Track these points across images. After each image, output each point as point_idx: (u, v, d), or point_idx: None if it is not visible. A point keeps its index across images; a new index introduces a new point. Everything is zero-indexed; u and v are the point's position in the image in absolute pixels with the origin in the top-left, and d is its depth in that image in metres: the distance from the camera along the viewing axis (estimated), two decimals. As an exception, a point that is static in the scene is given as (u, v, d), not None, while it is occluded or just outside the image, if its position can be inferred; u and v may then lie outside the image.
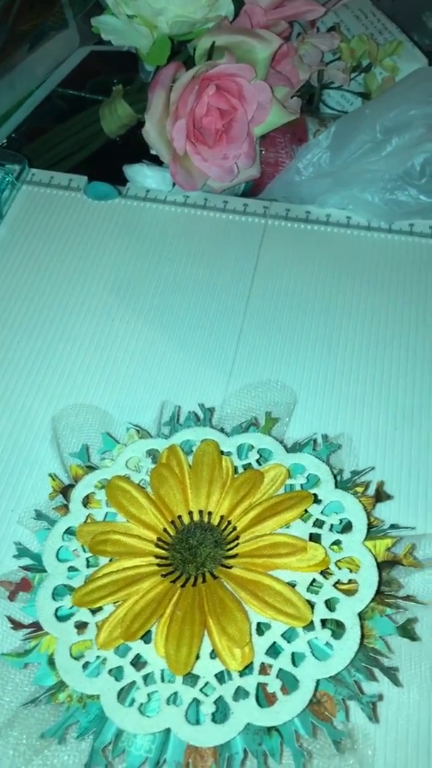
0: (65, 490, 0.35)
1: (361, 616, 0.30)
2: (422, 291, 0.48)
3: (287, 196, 0.54)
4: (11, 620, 0.31)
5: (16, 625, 0.31)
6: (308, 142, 0.54)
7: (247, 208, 0.53)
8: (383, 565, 0.32)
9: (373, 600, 0.30)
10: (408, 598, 0.31)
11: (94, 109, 0.58)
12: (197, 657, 0.28)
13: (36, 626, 0.30)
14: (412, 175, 0.50)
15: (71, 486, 0.35)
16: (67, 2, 0.72)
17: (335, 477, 0.34)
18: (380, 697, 0.30)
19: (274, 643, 0.28)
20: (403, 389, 0.42)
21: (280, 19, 0.51)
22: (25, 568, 0.33)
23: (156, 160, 0.52)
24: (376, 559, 0.30)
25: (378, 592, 0.31)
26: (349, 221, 0.52)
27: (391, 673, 0.29)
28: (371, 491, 0.35)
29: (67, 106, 0.66)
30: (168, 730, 0.27)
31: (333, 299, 0.47)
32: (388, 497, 0.35)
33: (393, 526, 0.34)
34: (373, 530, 0.33)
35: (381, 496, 0.35)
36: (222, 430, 0.38)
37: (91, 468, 0.36)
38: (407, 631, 0.30)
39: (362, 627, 0.29)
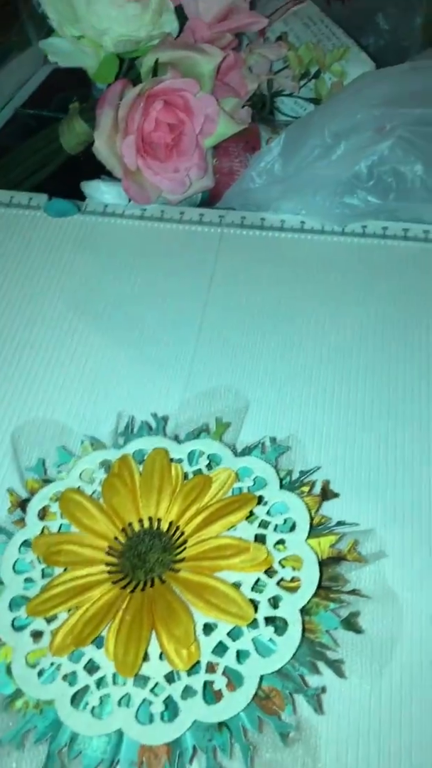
0: (23, 504, 0.36)
1: (307, 611, 0.31)
2: (376, 292, 0.49)
3: (243, 204, 0.55)
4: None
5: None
6: (261, 149, 0.55)
7: (203, 218, 0.54)
8: (328, 562, 0.33)
9: (317, 596, 0.31)
10: (352, 592, 0.32)
11: (54, 127, 0.59)
12: (147, 659, 0.29)
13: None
14: (361, 178, 0.51)
15: (28, 500, 0.36)
16: (28, 21, 0.73)
17: (281, 479, 0.35)
18: (324, 690, 0.31)
19: (220, 642, 0.29)
20: (355, 391, 0.43)
21: (224, 32, 0.52)
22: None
23: (114, 175, 0.54)
24: (318, 556, 0.32)
25: (324, 587, 0.32)
26: (303, 226, 0.53)
27: (336, 665, 0.31)
28: (317, 490, 0.36)
29: (34, 125, 0.67)
30: (121, 732, 0.28)
31: (288, 303, 0.48)
32: (335, 495, 0.36)
33: (340, 523, 0.35)
34: (320, 528, 0.34)
35: (327, 494, 0.36)
36: (176, 438, 0.39)
37: (48, 481, 0.37)
38: (351, 624, 0.31)
39: (308, 622, 0.31)
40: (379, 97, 0.52)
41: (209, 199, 0.56)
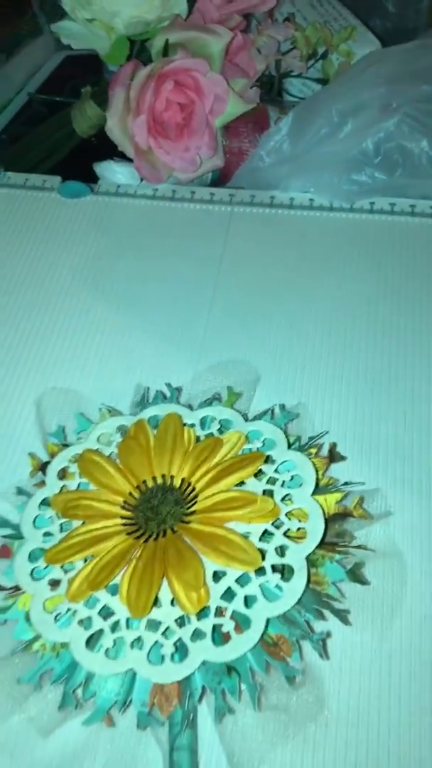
0: (43, 467, 0.38)
1: (313, 563, 0.32)
2: (384, 266, 0.50)
3: (253, 183, 0.56)
4: (-7, 584, 0.34)
5: (-2, 588, 0.34)
6: (269, 129, 0.56)
7: (213, 197, 0.55)
8: (335, 518, 0.34)
9: (324, 549, 0.32)
10: (359, 547, 0.34)
11: (66, 112, 0.60)
12: (159, 605, 0.30)
13: (15, 589, 0.33)
14: (368, 155, 0.52)
15: (49, 463, 0.37)
16: (40, 10, 0.75)
17: (290, 443, 0.36)
18: (329, 634, 0.32)
19: (229, 588, 0.31)
20: (363, 362, 0.44)
21: (233, 13, 0.53)
22: (6, 536, 0.35)
23: (126, 156, 0.55)
24: (323, 509, 0.33)
25: (331, 543, 0.33)
26: (312, 203, 0.55)
27: (342, 615, 0.32)
28: (324, 453, 0.37)
29: (46, 111, 0.69)
30: (134, 674, 0.30)
31: (297, 279, 0.49)
32: (342, 458, 0.38)
33: (347, 484, 0.36)
34: (327, 488, 0.36)
35: (334, 456, 0.37)
36: (190, 407, 0.40)
37: (67, 446, 0.38)
38: (357, 575, 0.32)
39: (314, 575, 0.32)
40: (385, 75, 0.53)
41: (220, 179, 0.58)
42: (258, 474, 0.35)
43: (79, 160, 0.60)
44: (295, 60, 0.58)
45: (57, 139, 0.60)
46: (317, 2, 0.61)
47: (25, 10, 0.74)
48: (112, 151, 0.55)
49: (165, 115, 0.51)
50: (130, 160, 0.55)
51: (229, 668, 0.30)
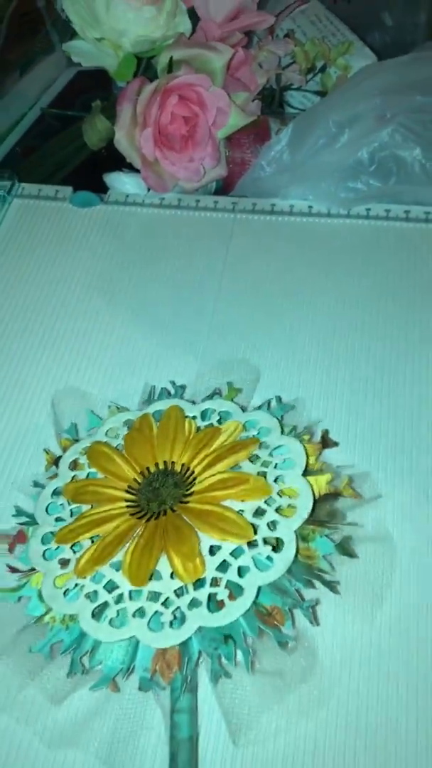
0: (57, 461, 0.40)
1: (304, 538, 0.34)
2: (379, 270, 0.52)
3: (255, 192, 0.59)
4: (9, 566, 0.36)
5: (14, 570, 0.36)
6: (270, 140, 0.59)
7: (217, 205, 0.58)
8: (326, 498, 0.36)
9: (315, 525, 0.35)
10: (349, 524, 0.36)
11: (77, 126, 0.63)
12: (159, 578, 0.33)
13: (29, 571, 0.36)
14: (364, 163, 0.55)
15: (62, 457, 0.40)
16: (52, 28, 0.78)
17: (284, 430, 0.39)
18: (318, 602, 0.34)
19: (224, 560, 0.33)
20: (359, 363, 0.46)
21: (234, 31, 0.56)
22: (22, 524, 0.38)
23: (134, 167, 0.58)
24: (312, 488, 0.35)
25: (322, 521, 0.36)
26: (310, 210, 0.57)
27: (331, 585, 0.34)
28: (317, 438, 0.40)
29: (58, 125, 0.71)
30: (137, 643, 0.32)
31: (296, 282, 0.52)
32: (335, 444, 0.40)
33: (338, 467, 0.39)
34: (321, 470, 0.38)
35: (327, 442, 0.39)
36: (192, 403, 0.43)
37: (79, 441, 0.41)
38: (345, 548, 0.35)
39: (305, 549, 0.34)
40: (380, 87, 0.56)
41: (223, 188, 0.60)
42: (253, 458, 0.37)
43: (89, 171, 0.63)
44: (295, 74, 0.60)
45: (69, 151, 0.63)
46: (316, 18, 0.64)
47: (39, 28, 0.77)
48: (121, 163, 0.58)
49: (170, 127, 0.53)
50: (137, 170, 0.57)
51: (226, 637, 0.32)
